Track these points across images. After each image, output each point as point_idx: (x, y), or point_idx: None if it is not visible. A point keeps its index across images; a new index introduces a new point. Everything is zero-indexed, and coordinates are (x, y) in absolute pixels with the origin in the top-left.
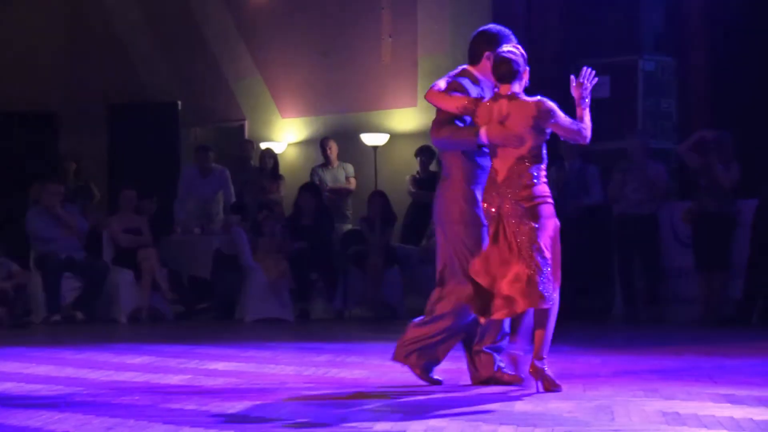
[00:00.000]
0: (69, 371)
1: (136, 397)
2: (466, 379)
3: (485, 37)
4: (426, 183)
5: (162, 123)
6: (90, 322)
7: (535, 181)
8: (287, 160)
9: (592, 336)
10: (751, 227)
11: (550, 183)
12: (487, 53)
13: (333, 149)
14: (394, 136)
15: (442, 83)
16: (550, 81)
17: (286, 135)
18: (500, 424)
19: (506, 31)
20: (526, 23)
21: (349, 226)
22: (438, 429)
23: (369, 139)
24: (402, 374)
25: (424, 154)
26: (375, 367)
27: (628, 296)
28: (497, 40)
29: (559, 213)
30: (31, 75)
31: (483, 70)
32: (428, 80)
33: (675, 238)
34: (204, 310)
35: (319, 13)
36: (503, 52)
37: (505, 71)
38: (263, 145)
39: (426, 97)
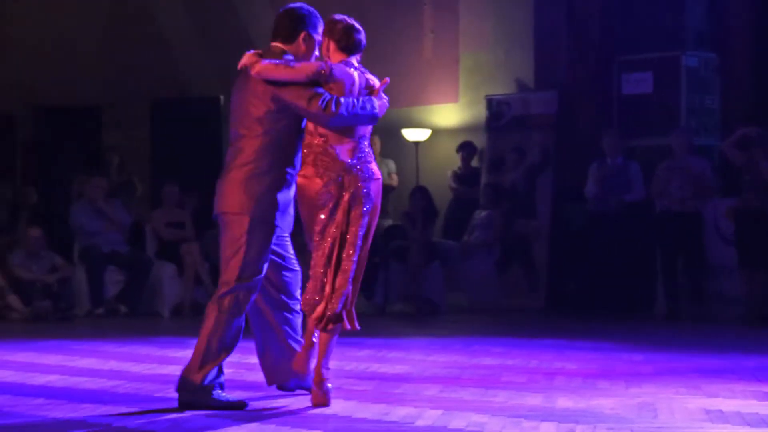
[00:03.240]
0: (112, 364)
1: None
2: (506, 377)
3: (300, 15)
4: (467, 178)
5: (204, 118)
6: (133, 316)
7: None
8: None
9: (635, 333)
10: None
11: (593, 179)
12: (303, 34)
13: (375, 145)
14: (436, 132)
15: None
16: (592, 77)
17: None
18: (542, 421)
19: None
20: (569, 20)
21: (389, 222)
22: (479, 425)
23: (411, 134)
24: (442, 370)
25: (466, 149)
26: (416, 362)
27: (670, 294)
28: (314, 20)
29: (602, 209)
30: (74, 69)
31: (296, 49)
32: (469, 77)
33: (718, 235)
34: None
35: (361, 9)
36: (350, 20)
37: (358, 41)
38: None
39: (259, 73)
